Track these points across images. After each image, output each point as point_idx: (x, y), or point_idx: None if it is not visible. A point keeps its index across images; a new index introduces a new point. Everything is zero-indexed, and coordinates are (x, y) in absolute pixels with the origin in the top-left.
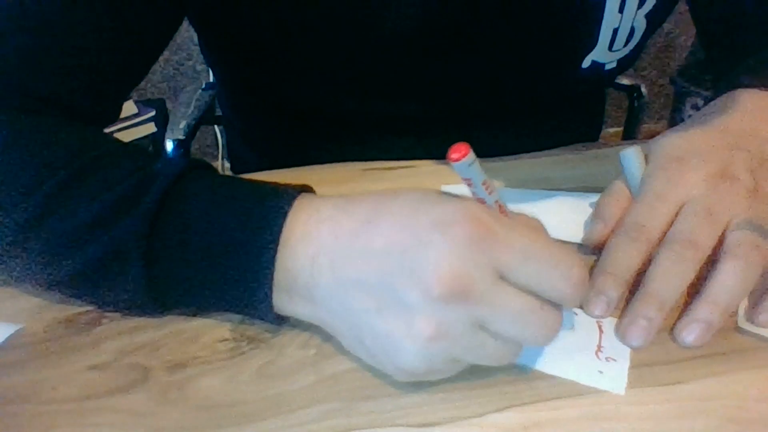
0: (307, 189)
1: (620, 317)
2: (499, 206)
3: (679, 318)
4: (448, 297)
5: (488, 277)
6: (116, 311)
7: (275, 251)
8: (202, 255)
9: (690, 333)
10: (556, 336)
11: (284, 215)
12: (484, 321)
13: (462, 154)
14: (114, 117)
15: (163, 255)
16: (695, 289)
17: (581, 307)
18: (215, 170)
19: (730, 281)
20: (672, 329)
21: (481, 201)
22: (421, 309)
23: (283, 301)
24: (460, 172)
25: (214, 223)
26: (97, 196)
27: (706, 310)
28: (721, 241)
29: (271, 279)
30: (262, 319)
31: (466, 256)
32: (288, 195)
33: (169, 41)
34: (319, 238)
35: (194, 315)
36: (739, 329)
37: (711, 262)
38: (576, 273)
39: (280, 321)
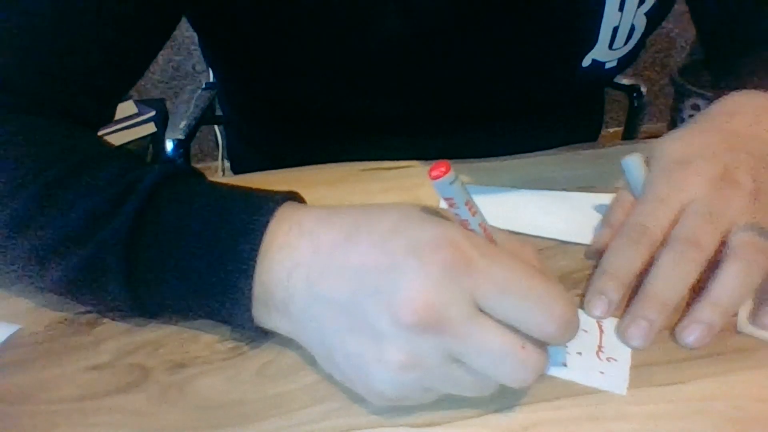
0: (294, 196)
1: (621, 317)
2: (484, 229)
3: (680, 319)
4: (420, 327)
5: (464, 309)
6: (105, 316)
7: (254, 263)
8: (181, 266)
9: (691, 334)
10: (537, 377)
11: (264, 226)
12: (459, 355)
13: (442, 172)
14: (110, 117)
15: (142, 267)
16: (696, 291)
17: (582, 308)
18: (200, 176)
19: (731, 283)
20: (673, 330)
21: (465, 223)
22: (392, 337)
23: (262, 314)
24: (440, 191)
25: (193, 234)
26: (77, 205)
27: (708, 311)
28: (722, 244)
29: (250, 291)
30: (246, 330)
31: (441, 285)
32: (270, 205)
33: (166, 41)
34: (298, 251)
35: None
36: (739, 332)
37: (712, 266)
38: (559, 309)
39: (263, 334)
